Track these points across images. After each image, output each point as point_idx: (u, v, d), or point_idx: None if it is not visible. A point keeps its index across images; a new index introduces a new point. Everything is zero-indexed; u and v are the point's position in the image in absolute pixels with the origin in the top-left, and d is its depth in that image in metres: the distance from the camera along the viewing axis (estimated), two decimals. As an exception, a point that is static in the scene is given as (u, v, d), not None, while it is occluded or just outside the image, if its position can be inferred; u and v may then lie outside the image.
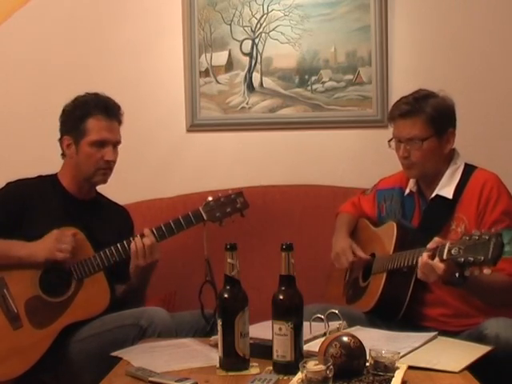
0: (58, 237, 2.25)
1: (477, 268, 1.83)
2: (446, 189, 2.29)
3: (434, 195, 2.31)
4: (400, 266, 2.21)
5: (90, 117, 2.37)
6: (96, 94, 2.43)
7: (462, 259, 1.84)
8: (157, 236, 2.33)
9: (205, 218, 2.36)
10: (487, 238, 1.82)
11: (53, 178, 2.47)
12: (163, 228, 2.34)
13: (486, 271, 1.82)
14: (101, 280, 2.30)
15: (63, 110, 2.44)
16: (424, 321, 2.27)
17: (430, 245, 1.99)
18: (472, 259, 1.82)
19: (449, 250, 1.89)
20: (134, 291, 2.43)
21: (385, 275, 2.29)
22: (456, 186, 2.28)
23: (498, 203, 2.21)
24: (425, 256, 1.98)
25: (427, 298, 2.28)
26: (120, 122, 2.45)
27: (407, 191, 2.42)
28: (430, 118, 2.26)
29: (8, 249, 2.27)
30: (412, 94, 2.32)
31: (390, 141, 2.35)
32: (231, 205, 2.40)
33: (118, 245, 2.30)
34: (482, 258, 1.80)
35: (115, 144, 2.42)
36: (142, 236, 2.32)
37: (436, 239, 2.00)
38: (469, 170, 2.31)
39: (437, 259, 1.93)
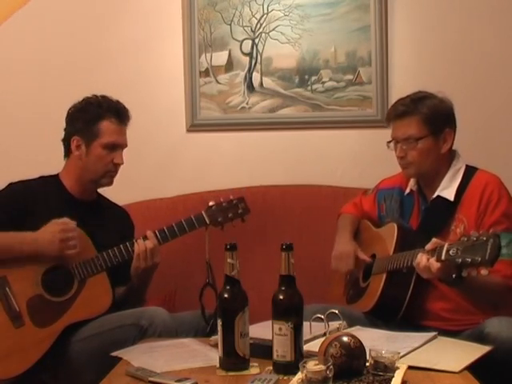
0: (63, 235, 2.23)
1: (474, 269, 1.84)
2: (447, 190, 2.30)
3: (435, 196, 2.32)
4: (399, 267, 2.22)
5: (103, 119, 2.38)
6: (105, 97, 2.44)
7: (460, 260, 1.85)
8: (159, 239, 2.33)
9: (207, 222, 2.37)
10: (485, 239, 1.83)
11: (54, 179, 2.46)
12: (166, 231, 2.34)
13: (484, 272, 1.83)
14: (103, 280, 2.30)
15: (72, 111, 2.44)
16: (425, 319, 2.27)
17: (429, 246, 2.01)
18: (469, 260, 1.83)
19: (447, 251, 1.90)
20: (134, 292, 2.43)
21: (384, 276, 2.29)
22: (457, 187, 2.29)
23: (498, 205, 2.22)
24: (422, 257, 2.00)
25: (429, 292, 2.27)
26: (127, 126, 2.47)
27: (407, 190, 2.43)
28: (424, 118, 2.27)
29: (10, 245, 2.25)
30: (409, 96, 2.34)
31: (389, 142, 2.36)
32: (233, 210, 2.40)
33: (121, 246, 2.30)
34: (480, 258, 1.81)
35: (124, 148, 2.44)
36: (145, 238, 2.32)
37: (434, 240, 2.01)
38: (470, 171, 2.32)
39: (432, 259, 1.95)
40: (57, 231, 2.24)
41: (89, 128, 2.38)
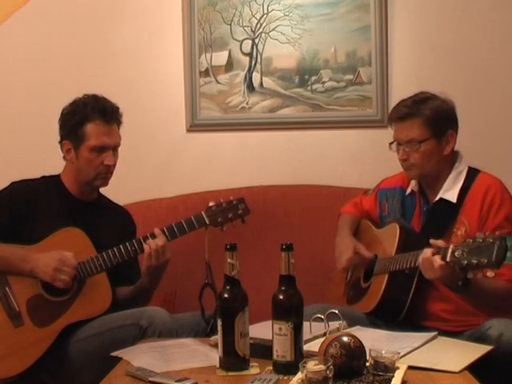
0: (59, 265, 2.23)
1: (479, 271, 1.83)
2: (449, 192, 2.29)
3: (437, 198, 2.31)
4: (402, 268, 2.21)
5: (88, 122, 2.35)
6: (94, 97, 2.40)
7: (466, 261, 1.84)
8: (168, 236, 2.31)
9: (207, 222, 2.36)
10: (491, 240, 1.82)
11: (56, 179, 2.46)
12: (174, 227, 2.32)
13: (489, 274, 1.82)
14: (102, 281, 2.30)
15: (62, 114, 2.42)
16: (425, 319, 2.27)
17: (435, 242, 2.00)
18: (475, 262, 1.82)
19: (452, 252, 1.89)
20: (144, 291, 2.42)
21: (386, 276, 2.29)
22: (459, 189, 2.28)
23: (500, 209, 2.21)
24: (428, 252, 1.99)
25: (430, 293, 2.27)
26: (119, 124, 2.43)
27: (409, 191, 2.42)
28: (427, 120, 2.26)
29: (8, 261, 2.26)
30: (411, 97, 2.32)
31: (390, 144, 2.35)
32: (233, 210, 2.38)
33: (121, 246, 2.29)
34: (486, 260, 1.80)
35: (115, 148, 2.40)
36: (153, 236, 2.30)
37: (440, 242, 2.00)
38: (472, 173, 2.31)
39: (437, 256, 1.94)
40: (56, 259, 2.23)
41: (75, 132, 2.36)
